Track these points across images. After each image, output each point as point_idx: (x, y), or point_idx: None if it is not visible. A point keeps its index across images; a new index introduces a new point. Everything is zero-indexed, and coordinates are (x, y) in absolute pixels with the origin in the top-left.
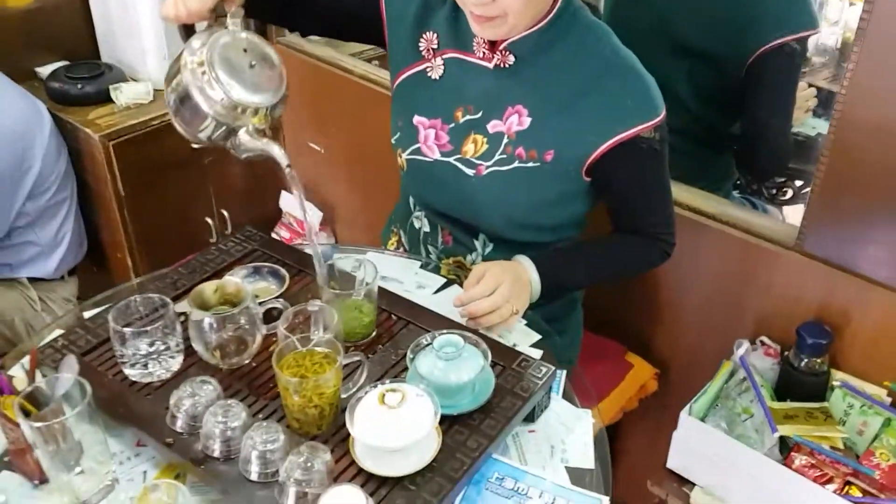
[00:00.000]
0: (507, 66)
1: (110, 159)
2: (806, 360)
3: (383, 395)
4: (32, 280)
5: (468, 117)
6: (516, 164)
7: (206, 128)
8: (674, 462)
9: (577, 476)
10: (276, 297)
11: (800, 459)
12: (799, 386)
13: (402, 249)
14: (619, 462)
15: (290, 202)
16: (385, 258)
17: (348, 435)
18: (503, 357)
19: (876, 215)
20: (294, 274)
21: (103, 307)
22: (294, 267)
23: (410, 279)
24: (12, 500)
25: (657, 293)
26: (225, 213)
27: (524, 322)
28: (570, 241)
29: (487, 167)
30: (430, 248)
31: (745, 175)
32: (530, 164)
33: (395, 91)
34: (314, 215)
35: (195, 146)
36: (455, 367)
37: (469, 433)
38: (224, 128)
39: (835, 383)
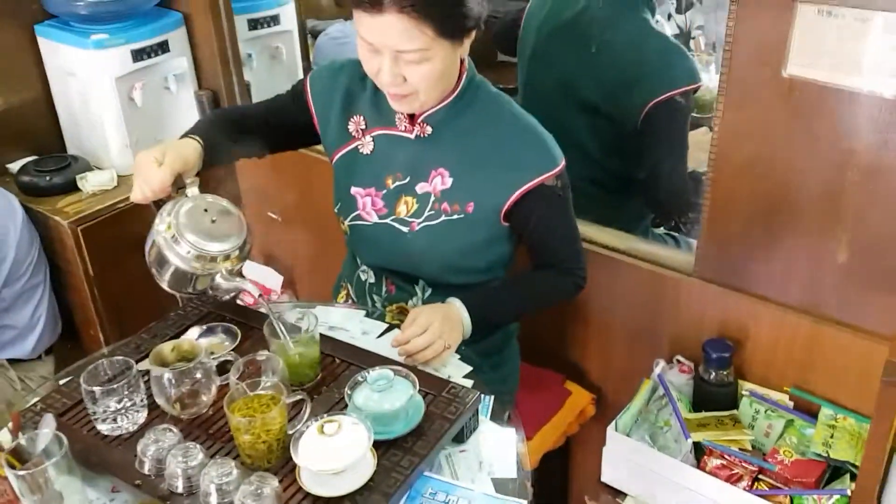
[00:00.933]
0: (426, 135)
1: (79, 243)
2: (714, 373)
3: (322, 426)
4: (12, 361)
5: (398, 183)
6: (443, 217)
7: (188, 282)
8: (606, 475)
9: (502, 485)
10: (229, 352)
11: (712, 462)
12: (711, 397)
13: (350, 301)
14: (568, 482)
15: (251, 271)
16: (333, 310)
17: (295, 465)
18: (434, 386)
19: (756, 239)
20: (246, 330)
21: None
22: (245, 324)
23: (356, 327)
24: None
25: (586, 324)
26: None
27: (458, 357)
28: (497, 280)
29: (419, 223)
30: (376, 297)
31: (655, 214)
32: (455, 217)
33: (333, 168)
34: (276, 280)
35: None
36: (387, 396)
37: (403, 454)
38: (203, 278)
39: (743, 392)
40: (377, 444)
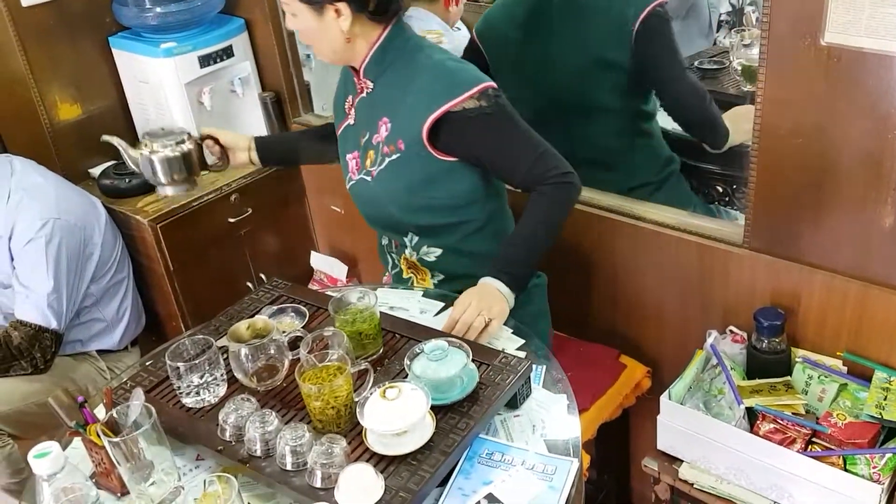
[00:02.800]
0: (370, 90)
1: (159, 240)
2: (766, 342)
3: (384, 392)
4: (101, 352)
5: (364, 139)
6: (387, 160)
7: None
8: (662, 443)
9: (554, 446)
10: (299, 329)
11: (765, 426)
12: (764, 365)
13: (388, 276)
14: (628, 453)
15: (319, 261)
16: (394, 292)
17: (362, 429)
18: (487, 356)
19: (802, 207)
20: (313, 311)
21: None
22: (313, 305)
23: (414, 306)
24: None
25: (639, 299)
26: (262, 276)
27: (510, 330)
28: (472, 226)
29: (377, 170)
30: (392, 256)
31: (681, 126)
32: (394, 157)
33: (338, 146)
34: (341, 269)
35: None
36: (443, 365)
37: (459, 418)
38: None
39: (797, 359)
40: (436, 409)
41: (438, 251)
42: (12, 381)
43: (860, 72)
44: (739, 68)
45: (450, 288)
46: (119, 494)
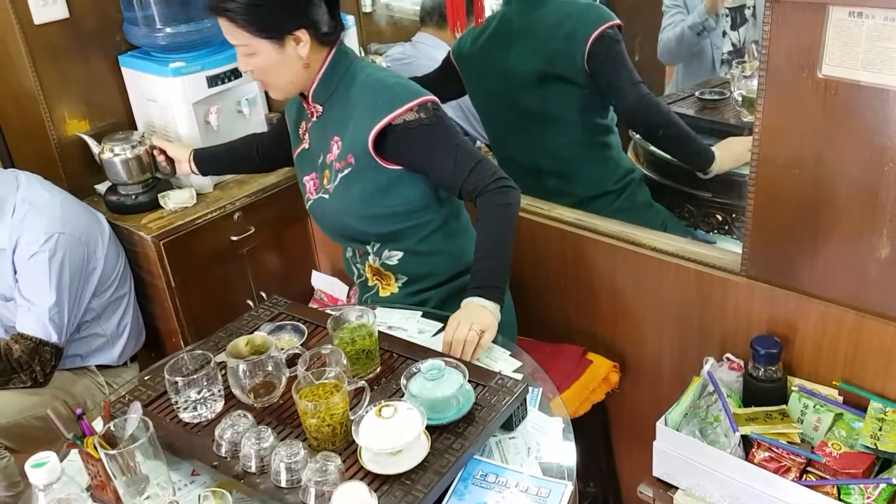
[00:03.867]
0: (320, 114)
1: (161, 256)
2: (762, 370)
3: (380, 410)
4: (100, 367)
5: (319, 161)
6: (339, 175)
7: None
8: (658, 470)
9: (548, 468)
10: (297, 346)
11: (760, 454)
12: (761, 393)
13: (354, 289)
14: (620, 468)
15: (320, 280)
16: (393, 311)
17: (357, 447)
18: (483, 377)
19: (799, 237)
20: (312, 329)
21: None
22: (312, 323)
23: (413, 326)
24: None
25: (638, 325)
26: (263, 294)
27: (508, 352)
28: (427, 228)
29: (332, 187)
30: (357, 267)
31: (635, 131)
32: (346, 171)
33: (295, 168)
34: (342, 289)
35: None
36: (439, 385)
37: (454, 438)
38: None
39: (793, 388)
40: (431, 429)
41: (399, 254)
42: (11, 394)
43: (857, 104)
44: (740, 99)
45: (414, 289)
46: None
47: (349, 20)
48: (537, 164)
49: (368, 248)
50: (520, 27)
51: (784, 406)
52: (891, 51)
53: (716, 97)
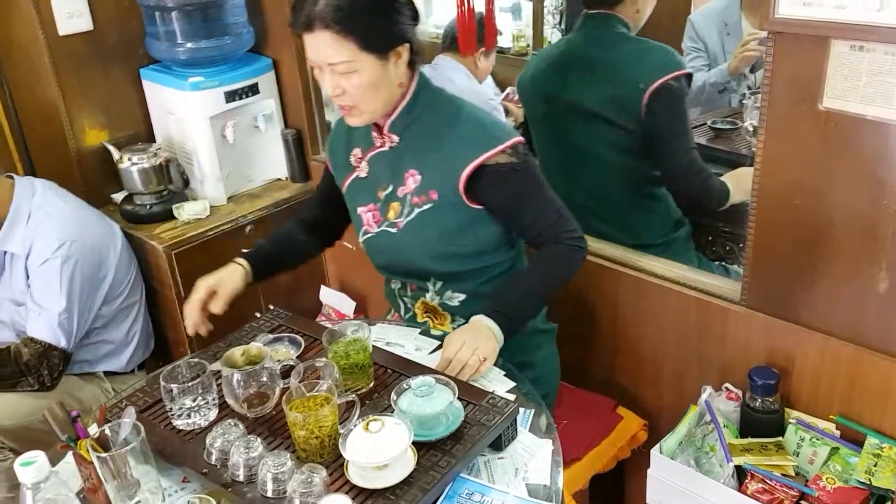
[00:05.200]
0: (395, 144)
1: (172, 266)
2: (760, 401)
3: (367, 424)
4: (108, 374)
5: (385, 192)
6: (416, 210)
7: None
8: (652, 497)
9: (534, 490)
10: (293, 358)
11: (753, 486)
12: (758, 424)
13: (396, 315)
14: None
15: (328, 295)
16: (391, 328)
17: (344, 461)
18: (475, 396)
19: (799, 268)
20: (310, 342)
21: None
22: (310, 336)
23: (410, 343)
24: None
25: (637, 351)
26: (271, 307)
27: (503, 373)
28: (493, 271)
29: (403, 221)
30: (406, 300)
31: (678, 199)
32: (425, 207)
33: (345, 199)
34: (349, 305)
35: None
36: (429, 401)
37: (441, 455)
38: None
39: (790, 420)
40: (419, 446)
41: (462, 296)
42: (18, 397)
43: (857, 137)
44: (751, 129)
45: None
46: None
47: None
48: (579, 201)
49: (429, 284)
50: (581, 57)
51: (780, 438)
52: (891, 85)
53: (728, 127)
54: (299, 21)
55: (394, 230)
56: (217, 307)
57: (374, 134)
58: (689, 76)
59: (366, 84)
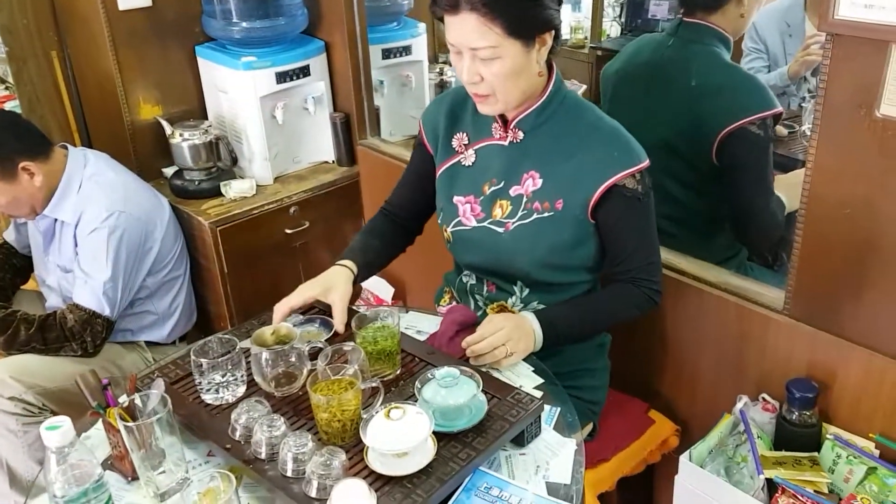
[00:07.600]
0: (518, 140)
1: (217, 243)
2: (797, 414)
3: (388, 412)
4: (149, 343)
5: (493, 188)
6: (535, 216)
7: None
8: None
9: (554, 489)
10: (322, 341)
11: (783, 501)
12: (793, 437)
13: (453, 302)
14: None
15: (368, 280)
16: (423, 316)
17: (364, 446)
18: (500, 390)
19: (846, 280)
20: None
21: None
22: None
23: None
24: (112, 492)
25: (673, 355)
26: None
27: (531, 369)
28: (580, 288)
29: (514, 223)
30: (477, 297)
31: (748, 249)
32: (546, 214)
33: (437, 181)
34: (387, 290)
35: None
36: (452, 392)
37: (462, 447)
38: None
39: (828, 436)
40: (440, 436)
41: (542, 306)
42: (61, 361)
43: None
44: (809, 133)
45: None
46: (129, 479)
47: (420, 27)
48: None
49: (516, 288)
50: (667, 76)
51: (816, 453)
52: None
53: (785, 130)
54: (443, 1)
55: (500, 230)
56: (339, 322)
57: (496, 125)
58: (778, 116)
59: (507, 71)
